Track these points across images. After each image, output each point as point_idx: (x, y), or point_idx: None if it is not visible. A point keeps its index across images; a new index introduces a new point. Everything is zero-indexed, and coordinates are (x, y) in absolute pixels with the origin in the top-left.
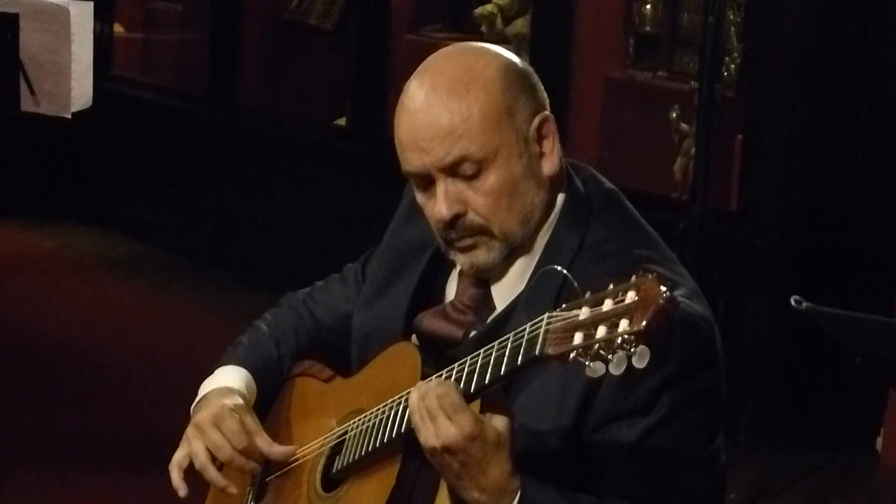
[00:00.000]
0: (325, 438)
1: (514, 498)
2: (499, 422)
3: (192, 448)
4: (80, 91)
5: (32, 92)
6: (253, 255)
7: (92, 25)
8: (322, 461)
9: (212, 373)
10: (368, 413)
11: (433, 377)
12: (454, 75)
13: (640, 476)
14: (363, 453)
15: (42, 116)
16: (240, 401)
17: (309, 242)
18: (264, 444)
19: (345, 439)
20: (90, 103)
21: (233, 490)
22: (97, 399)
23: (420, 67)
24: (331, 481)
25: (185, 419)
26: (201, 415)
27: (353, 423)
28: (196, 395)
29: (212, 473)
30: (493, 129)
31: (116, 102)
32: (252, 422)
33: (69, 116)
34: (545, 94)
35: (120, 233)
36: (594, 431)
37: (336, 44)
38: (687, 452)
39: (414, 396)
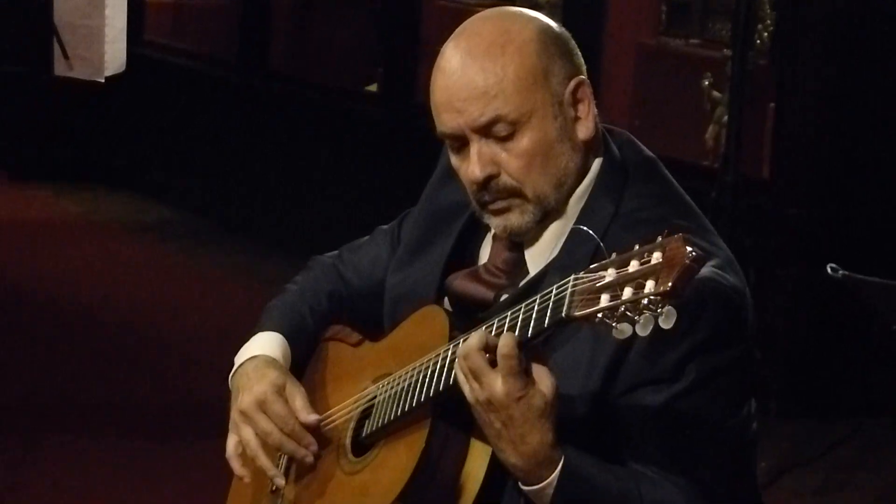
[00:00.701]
0: (355, 403)
1: (555, 469)
2: (546, 388)
3: (242, 436)
4: (114, 55)
5: (66, 56)
6: (283, 221)
7: None
8: (351, 426)
9: (248, 339)
10: (396, 377)
11: (460, 338)
12: (490, 37)
13: (663, 443)
14: (392, 417)
15: (74, 81)
16: (279, 373)
17: (339, 208)
18: (313, 421)
19: (374, 404)
20: (124, 68)
21: (281, 481)
22: (126, 364)
23: (457, 30)
24: (361, 446)
25: (214, 384)
26: (246, 399)
27: (382, 387)
28: (227, 360)
29: (263, 461)
30: (528, 91)
31: (148, 67)
32: (296, 391)
33: (102, 80)
34: (581, 59)
35: (150, 198)
36: (620, 396)
37: (367, 10)
38: (711, 421)
39: (458, 354)
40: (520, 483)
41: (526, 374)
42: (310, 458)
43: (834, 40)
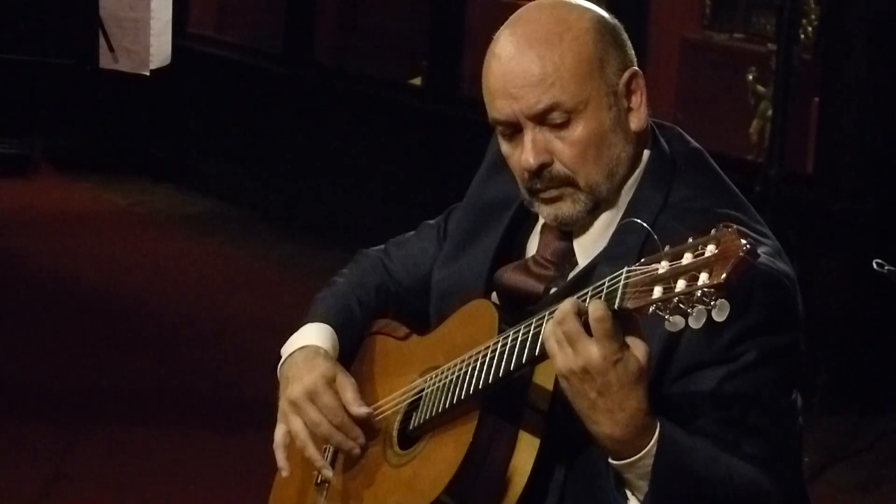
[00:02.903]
0: (402, 396)
1: (653, 436)
2: (640, 352)
3: (291, 426)
4: (159, 48)
5: (111, 49)
6: (327, 213)
7: None
8: (398, 419)
9: (295, 330)
10: (445, 370)
11: (509, 331)
12: (547, 25)
13: (716, 421)
14: (440, 410)
15: (120, 73)
16: (329, 364)
17: (382, 201)
18: (363, 414)
19: (421, 396)
20: (169, 60)
21: (329, 473)
22: (171, 356)
23: (511, 18)
24: (407, 439)
25: (259, 376)
26: (297, 389)
27: (430, 380)
28: (273, 353)
29: (311, 451)
30: (584, 80)
31: (192, 60)
32: (346, 383)
33: (147, 73)
34: (632, 51)
35: (194, 190)
36: (673, 383)
37: (412, 3)
38: (763, 401)
39: (553, 320)
40: (611, 458)
41: (619, 338)
42: (357, 451)
43: (879, 35)
